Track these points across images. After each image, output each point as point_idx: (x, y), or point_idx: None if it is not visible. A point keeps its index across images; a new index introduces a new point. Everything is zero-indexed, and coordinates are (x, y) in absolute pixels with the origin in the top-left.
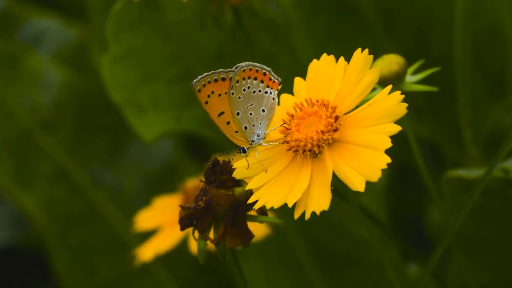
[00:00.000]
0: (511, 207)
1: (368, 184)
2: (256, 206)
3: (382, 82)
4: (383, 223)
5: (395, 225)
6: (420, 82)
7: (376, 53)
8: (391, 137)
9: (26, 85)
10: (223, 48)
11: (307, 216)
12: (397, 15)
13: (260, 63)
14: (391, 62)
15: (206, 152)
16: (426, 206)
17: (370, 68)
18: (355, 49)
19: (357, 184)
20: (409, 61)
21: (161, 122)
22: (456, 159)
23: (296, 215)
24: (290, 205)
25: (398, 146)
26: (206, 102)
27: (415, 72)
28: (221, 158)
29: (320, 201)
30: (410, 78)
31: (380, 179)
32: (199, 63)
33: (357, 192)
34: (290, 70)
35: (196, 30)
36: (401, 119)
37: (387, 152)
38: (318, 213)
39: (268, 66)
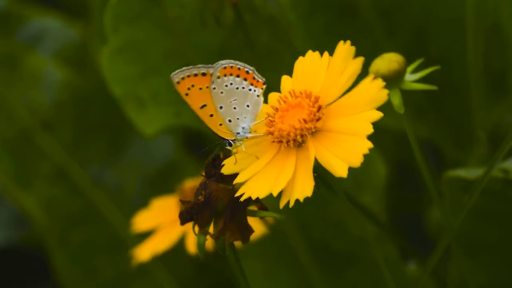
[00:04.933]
0: (511, 207)
1: (369, 184)
2: (242, 199)
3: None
4: (383, 223)
5: (395, 225)
6: (419, 81)
7: (376, 53)
8: (392, 135)
9: (27, 85)
10: (224, 44)
11: (291, 204)
12: (396, 15)
13: (261, 60)
14: (390, 60)
15: (205, 148)
16: (426, 206)
17: (362, 57)
18: (355, 50)
19: (340, 170)
20: (409, 61)
21: (161, 116)
22: (456, 159)
23: (282, 204)
24: (275, 195)
25: (399, 146)
26: (187, 94)
27: (415, 71)
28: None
29: (303, 188)
30: (409, 77)
31: (379, 178)
32: (200, 59)
33: (354, 191)
34: (291, 67)
35: (197, 26)
36: (401, 119)
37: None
38: (301, 200)
39: (269, 63)
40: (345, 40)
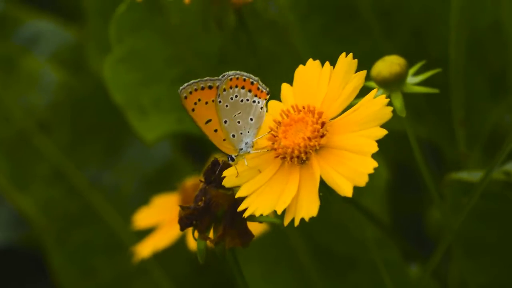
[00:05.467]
0: (510, 208)
1: (370, 186)
2: (246, 214)
3: (383, 83)
4: (384, 225)
5: (395, 226)
6: (420, 83)
7: (375, 55)
8: (392, 137)
9: (23, 87)
10: (225, 50)
11: (296, 223)
12: (395, 16)
13: (262, 65)
14: (392, 63)
15: (204, 153)
16: (426, 207)
17: (365, 71)
18: (354, 51)
19: (345, 190)
20: (409, 62)
21: (163, 123)
22: (455, 160)
23: (286, 221)
24: (279, 212)
25: (399, 147)
26: (193, 110)
27: (416, 73)
28: (220, 158)
29: (309, 207)
30: (411, 80)
31: (380, 180)
32: (201, 65)
33: (355, 193)
34: (293, 72)
35: (198, 32)
36: (401, 120)
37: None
38: (307, 219)
39: (270, 68)
40: (343, 42)
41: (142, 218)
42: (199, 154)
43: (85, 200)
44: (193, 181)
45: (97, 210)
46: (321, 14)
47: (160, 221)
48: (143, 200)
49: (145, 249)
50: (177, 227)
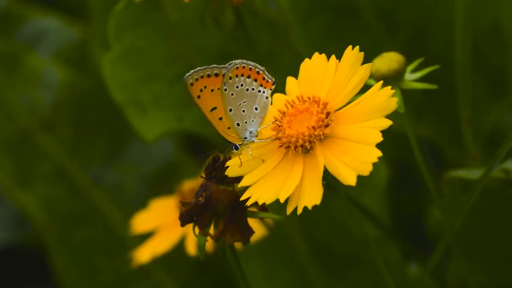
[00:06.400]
0: (510, 206)
1: (369, 184)
2: (249, 203)
3: (382, 80)
4: (384, 223)
5: (395, 225)
6: (419, 80)
7: (375, 53)
8: (391, 136)
9: (26, 85)
10: (225, 47)
11: (299, 211)
12: (396, 16)
13: (261, 63)
14: (390, 60)
15: (206, 152)
16: (426, 206)
17: (370, 63)
18: None
19: (349, 179)
20: (409, 61)
21: (162, 121)
22: (456, 159)
23: (289, 210)
24: (282, 201)
25: (398, 146)
26: (199, 97)
27: (415, 70)
28: (221, 154)
29: (312, 196)
30: (409, 76)
31: (380, 179)
32: (201, 62)
33: (355, 191)
34: (291, 69)
35: (197, 30)
36: (401, 119)
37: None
38: (310, 207)
39: (269, 65)
40: (344, 42)
41: (140, 222)
42: (202, 153)
43: (88, 199)
44: (191, 184)
45: (100, 209)
46: (322, 14)
47: (158, 225)
48: (145, 199)
49: (144, 254)
50: (177, 231)
